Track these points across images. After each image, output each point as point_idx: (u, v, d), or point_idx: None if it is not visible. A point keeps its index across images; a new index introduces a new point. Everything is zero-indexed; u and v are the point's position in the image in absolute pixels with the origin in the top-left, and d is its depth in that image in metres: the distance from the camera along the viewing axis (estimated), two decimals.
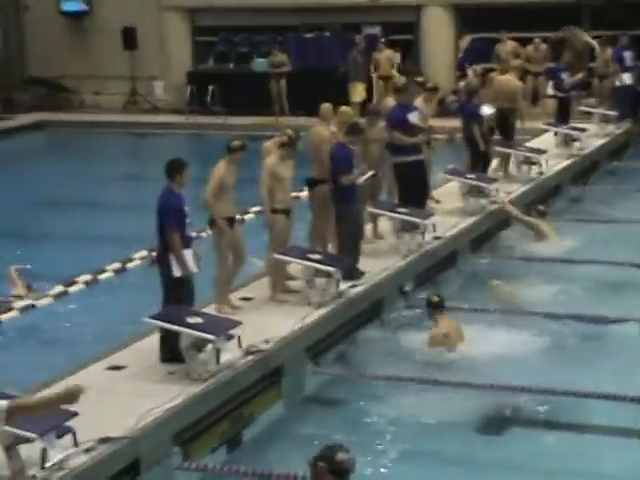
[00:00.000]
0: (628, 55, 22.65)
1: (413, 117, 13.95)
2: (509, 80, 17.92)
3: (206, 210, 10.91)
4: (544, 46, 24.09)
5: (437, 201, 15.35)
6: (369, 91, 24.67)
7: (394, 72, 24.31)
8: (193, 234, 10.27)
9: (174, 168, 10.01)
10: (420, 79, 16.71)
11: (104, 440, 8.03)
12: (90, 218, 17.79)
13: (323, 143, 12.53)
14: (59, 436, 7.75)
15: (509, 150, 17.67)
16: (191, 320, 9.40)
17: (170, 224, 9.81)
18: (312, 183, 12.66)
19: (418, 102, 14.66)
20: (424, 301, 11.33)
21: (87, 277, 13.74)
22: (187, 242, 9.95)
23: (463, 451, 9.06)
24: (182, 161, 10.10)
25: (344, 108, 13.43)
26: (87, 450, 7.90)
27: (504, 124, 17.58)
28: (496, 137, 17.41)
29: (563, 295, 12.56)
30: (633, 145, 22.38)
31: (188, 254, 9.89)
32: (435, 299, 11.19)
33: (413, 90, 14.52)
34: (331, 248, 12.56)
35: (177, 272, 9.81)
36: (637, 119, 22.90)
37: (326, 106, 12.97)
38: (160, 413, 8.56)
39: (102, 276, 13.95)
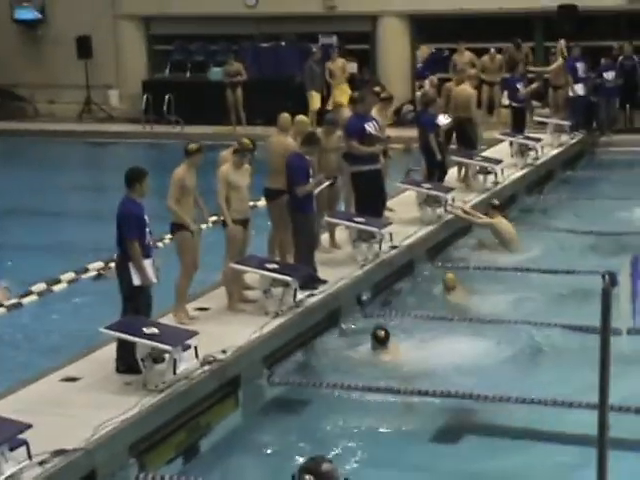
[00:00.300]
0: (580, 66, 22.88)
1: (370, 127, 13.99)
2: (463, 89, 18.06)
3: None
4: (499, 57, 24.28)
5: (391, 210, 15.37)
6: (326, 100, 24.67)
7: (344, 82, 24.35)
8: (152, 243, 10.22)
9: (134, 177, 9.96)
10: (377, 89, 16.74)
11: (58, 452, 7.95)
12: (45, 228, 17.64)
13: (281, 153, 12.52)
14: (12, 449, 7.64)
15: (465, 160, 17.78)
16: (147, 330, 9.34)
17: (130, 233, 9.76)
18: (270, 193, 12.64)
19: (373, 112, 14.69)
20: (370, 333, 11.14)
21: (42, 287, 13.61)
22: (147, 251, 9.91)
23: (421, 460, 9.07)
24: (142, 170, 10.06)
25: (300, 117, 13.44)
26: (41, 463, 7.82)
27: (461, 133, 17.73)
28: (453, 146, 17.54)
29: (519, 303, 12.63)
30: (587, 155, 22.62)
31: (148, 264, 9.84)
32: (381, 334, 11.04)
33: (370, 100, 14.55)
34: (289, 258, 12.55)
35: (137, 281, 9.76)
36: (590, 129, 23.12)
37: (285, 116, 12.96)
38: (116, 424, 8.50)
39: (57, 286, 13.82)
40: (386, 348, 10.97)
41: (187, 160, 10.96)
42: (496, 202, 15.52)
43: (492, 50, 24.38)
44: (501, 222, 15.06)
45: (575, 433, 9.06)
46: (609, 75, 23.04)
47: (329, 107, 23.06)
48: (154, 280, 9.93)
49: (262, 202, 13.65)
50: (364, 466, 8.93)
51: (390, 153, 15.56)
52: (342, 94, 23.39)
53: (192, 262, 11.03)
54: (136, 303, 9.86)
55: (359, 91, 15.72)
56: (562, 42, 23.75)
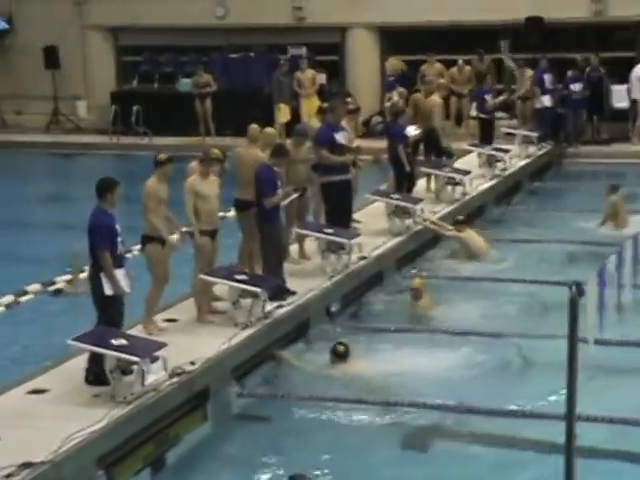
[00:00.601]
0: (548, 78, 23.03)
1: (340, 137, 14.02)
2: (431, 99, 18.18)
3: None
4: (468, 68, 24.40)
5: (358, 222, 15.38)
6: (295, 112, 24.68)
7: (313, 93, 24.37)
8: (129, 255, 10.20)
9: (105, 187, 9.93)
10: (348, 99, 16.84)
11: (26, 465, 7.87)
12: (13, 239, 17.53)
13: (250, 164, 12.52)
14: None
15: (433, 171, 17.84)
16: (116, 342, 9.29)
17: (101, 243, 9.72)
18: (240, 204, 12.66)
19: (344, 123, 14.71)
20: (330, 349, 11.18)
21: (9, 299, 13.52)
22: (119, 261, 9.87)
23: (388, 471, 9.06)
24: (113, 180, 10.04)
25: (268, 129, 13.45)
26: (8, 476, 7.74)
27: (429, 144, 17.83)
28: (421, 157, 17.62)
29: (488, 313, 12.68)
30: (554, 166, 22.76)
31: (120, 273, 9.81)
32: (341, 349, 11.07)
33: (341, 110, 14.58)
34: (258, 269, 12.54)
35: (108, 290, 9.72)
36: (558, 141, 23.28)
37: (254, 127, 12.98)
38: (84, 436, 8.43)
39: (24, 298, 13.73)
40: (345, 363, 10.98)
41: (158, 171, 10.93)
42: (460, 217, 15.57)
43: (460, 62, 24.49)
44: (469, 235, 15.10)
45: (543, 442, 9.10)
46: (576, 87, 23.22)
47: (303, 118, 23.09)
48: (127, 290, 9.90)
49: (232, 213, 13.68)
50: (332, 476, 8.92)
51: (360, 164, 15.58)
52: (311, 105, 23.44)
53: (163, 274, 11.00)
54: (110, 313, 9.83)
55: (329, 101, 15.71)
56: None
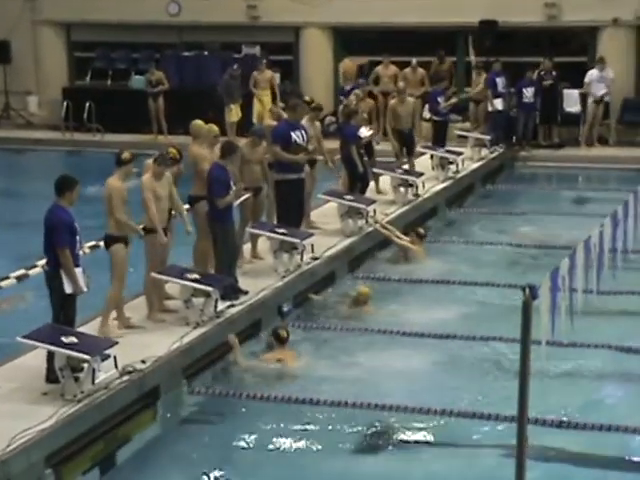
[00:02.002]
0: (500, 81, 23.15)
1: (297, 135, 14.00)
2: (408, 103, 18.89)
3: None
4: (421, 70, 24.45)
5: (312, 222, 15.40)
6: (245, 111, 24.53)
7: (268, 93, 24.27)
8: (81, 252, 10.09)
9: (65, 185, 9.83)
10: (307, 98, 16.85)
11: None
12: None
13: (199, 161, 12.50)
14: None
15: (386, 172, 17.87)
16: (66, 340, 9.21)
17: (61, 241, 9.62)
18: (192, 201, 12.62)
19: (304, 122, 14.72)
20: (271, 331, 11.30)
21: None
22: (77, 260, 9.78)
23: (340, 470, 9.06)
24: (73, 178, 9.94)
25: (208, 125, 13.14)
26: None
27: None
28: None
29: (440, 315, 12.71)
30: (506, 169, 22.90)
31: (79, 272, 9.72)
32: (283, 334, 11.15)
33: (301, 109, 14.56)
34: (211, 267, 12.50)
35: (69, 289, 9.64)
36: (510, 144, 23.42)
37: (196, 123, 12.94)
38: (32, 435, 8.36)
39: None
40: (282, 348, 11.04)
41: (121, 169, 10.82)
42: (422, 231, 15.60)
43: (414, 62, 24.48)
44: (419, 252, 15.13)
45: (494, 444, 9.15)
46: (528, 91, 23.36)
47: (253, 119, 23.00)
48: (85, 289, 9.82)
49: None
50: (284, 477, 8.91)
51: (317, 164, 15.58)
52: (263, 105, 23.40)
53: (124, 274, 10.92)
54: (68, 312, 9.75)
55: (290, 100, 15.66)
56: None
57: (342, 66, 25.64)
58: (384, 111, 24.28)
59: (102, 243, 11.09)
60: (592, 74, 23.88)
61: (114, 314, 11.06)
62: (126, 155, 10.86)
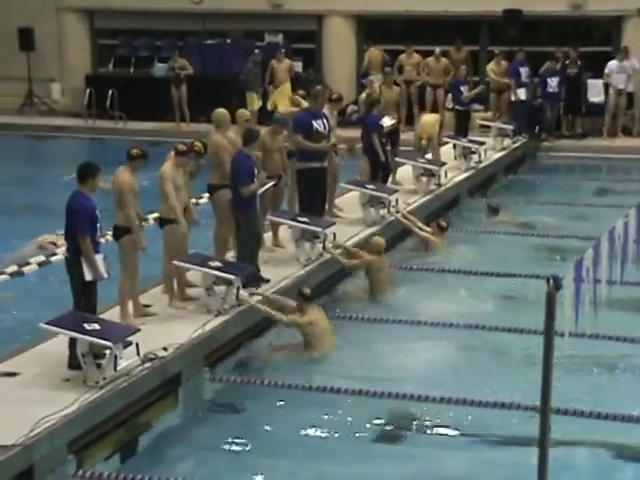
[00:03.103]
0: (524, 70, 23.07)
1: (319, 124, 13.98)
2: (394, 90, 18.81)
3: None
4: (444, 59, 24.38)
5: (340, 209, 15.40)
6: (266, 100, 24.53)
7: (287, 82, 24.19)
8: (102, 240, 10.12)
9: (87, 172, 9.85)
10: (325, 87, 16.86)
11: None
12: None
13: (220, 150, 12.48)
14: None
15: (408, 161, 17.84)
16: (88, 326, 9.25)
17: (82, 227, 9.65)
18: (212, 189, 12.61)
19: (326, 111, 14.72)
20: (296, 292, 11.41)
21: None
22: (97, 247, 9.81)
23: (360, 460, 9.06)
24: (95, 165, 9.96)
25: (217, 109, 13.16)
26: None
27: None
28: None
29: (464, 306, 12.67)
30: (529, 159, 22.82)
31: (99, 259, 9.75)
32: (307, 291, 11.28)
33: (323, 98, 14.55)
34: (229, 255, 12.52)
35: (89, 276, 9.67)
36: (533, 134, 23.33)
37: (219, 112, 12.90)
38: (54, 420, 8.39)
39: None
40: (310, 305, 11.14)
41: (130, 164, 10.78)
42: (444, 223, 15.55)
43: (437, 51, 24.39)
44: (438, 244, 15.08)
45: (517, 435, 9.14)
46: (552, 81, 23.26)
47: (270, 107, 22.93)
48: (105, 275, 9.85)
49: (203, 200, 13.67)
50: (303, 465, 8.93)
51: (341, 152, 15.58)
52: (281, 94, 23.34)
53: (136, 265, 10.93)
54: (89, 299, 9.79)
55: (312, 89, 15.67)
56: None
57: (368, 55, 25.60)
58: (407, 100, 24.34)
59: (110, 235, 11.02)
60: (611, 65, 23.76)
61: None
62: (135, 151, 10.77)
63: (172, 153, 11.52)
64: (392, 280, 13.32)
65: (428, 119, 19.26)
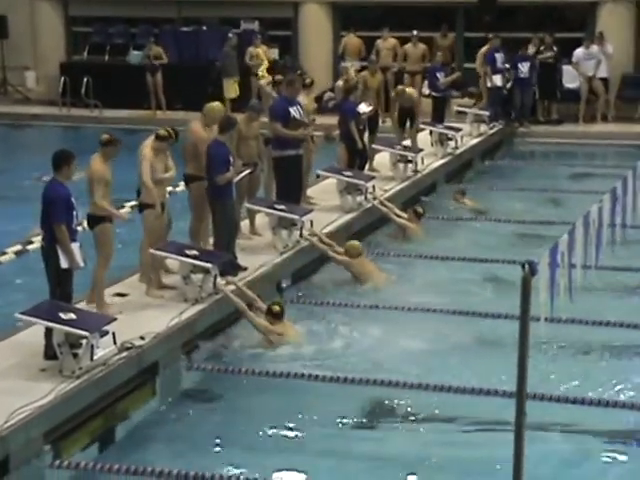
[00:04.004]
0: (499, 57, 23.07)
1: (295, 111, 13.96)
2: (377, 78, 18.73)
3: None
4: (422, 45, 24.34)
5: (311, 198, 15.37)
6: (243, 87, 24.47)
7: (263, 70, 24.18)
8: (79, 228, 10.07)
9: (62, 160, 9.80)
10: (299, 72, 16.82)
11: None
12: None
13: (199, 142, 12.42)
14: None
15: (385, 148, 17.84)
16: (64, 316, 9.20)
17: (58, 216, 9.60)
18: (189, 179, 12.57)
19: (300, 98, 14.70)
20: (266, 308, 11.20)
21: None
22: (73, 235, 9.76)
23: (339, 446, 9.07)
24: (70, 153, 9.90)
25: (213, 104, 13.11)
26: None
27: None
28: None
29: (439, 291, 12.72)
30: (505, 145, 22.87)
31: (75, 247, 9.71)
32: (277, 309, 11.09)
33: (298, 85, 14.52)
34: (206, 244, 12.48)
35: (65, 264, 9.62)
36: (509, 120, 23.36)
37: (211, 106, 12.71)
38: (30, 411, 8.36)
39: None
40: (280, 322, 10.99)
41: (102, 151, 10.72)
42: (420, 210, 15.54)
43: (414, 34, 24.30)
44: (416, 230, 15.08)
45: (494, 420, 9.17)
46: (523, 66, 23.24)
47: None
48: (82, 264, 9.81)
49: (180, 189, 13.61)
50: (281, 452, 8.94)
51: (316, 140, 15.54)
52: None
53: (111, 253, 10.88)
54: (65, 288, 9.75)
55: (286, 76, 15.61)
56: None
57: (345, 41, 25.55)
58: (384, 86, 24.30)
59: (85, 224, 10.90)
60: (578, 52, 23.85)
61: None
62: (105, 137, 10.74)
63: (152, 137, 11.47)
64: (380, 273, 13.24)
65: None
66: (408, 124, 18.82)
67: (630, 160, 13.89)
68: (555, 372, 10.18)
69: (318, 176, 16.22)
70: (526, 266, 5.76)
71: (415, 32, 24.23)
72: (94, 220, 10.67)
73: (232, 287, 11.49)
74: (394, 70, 24.44)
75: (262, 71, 24.00)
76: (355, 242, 13.39)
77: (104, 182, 10.59)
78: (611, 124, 24.05)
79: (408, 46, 24.26)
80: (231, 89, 24.28)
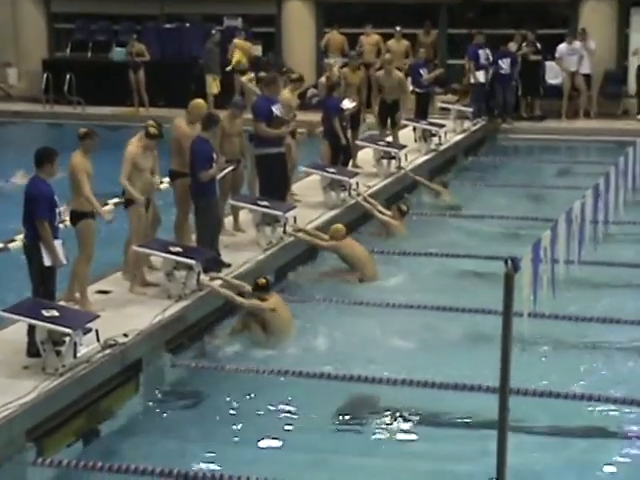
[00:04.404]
0: (482, 53, 23.09)
1: (277, 109, 13.96)
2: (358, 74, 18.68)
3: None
4: (405, 41, 24.35)
5: (294, 194, 15.38)
6: (226, 83, 24.44)
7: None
8: (61, 225, 10.05)
9: (44, 157, 9.77)
10: (284, 69, 16.82)
11: None
12: None
13: (183, 138, 12.41)
14: None
15: (369, 144, 17.85)
16: (47, 313, 9.17)
17: (40, 213, 9.57)
18: (173, 176, 12.56)
19: (285, 93, 14.69)
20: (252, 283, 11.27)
21: None
22: (56, 232, 9.74)
23: (323, 443, 9.07)
24: (53, 150, 9.88)
25: (196, 101, 13.10)
26: None
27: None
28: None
29: (422, 287, 12.73)
30: (488, 141, 22.91)
31: (58, 244, 9.68)
32: (262, 281, 11.16)
33: (279, 83, 14.52)
34: (189, 240, 12.47)
35: (48, 262, 9.60)
36: (492, 116, 23.39)
37: (196, 103, 12.72)
38: (13, 409, 8.33)
39: None
40: (268, 294, 11.04)
41: (81, 145, 10.69)
42: (404, 207, 15.54)
43: (397, 29, 24.31)
44: (399, 229, 15.09)
45: (475, 416, 9.19)
46: (504, 62, 23.26)
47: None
48: (64, 261, 9.79)
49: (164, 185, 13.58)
50: (265, 449, 8.93)
51: (298, 136, 15.54)
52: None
53: (93, 249, 10.85)
54: (48, 285, 9.72)
55: (268, 73, 15.59)
56: None
57: (328, 37, 25.53)
58: (367, 83, 24.33)
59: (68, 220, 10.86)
60: (562, 48, 23.92)
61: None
62: (82, 130, 10.71)
63: (141, 133, 11.45)
64: (371, 257, 13.30)
65: None
66: (389, 121, 18.87)
67: (612, 156, 13.94)
68: (538, 367, 10.22)
69: (302, 173, 16.23)
70: (509, 262, 5.78)
71: (398, 28, 24.23)
72: (77, 216, 10.64)
73: (219, 282, 11.49)
74: (377, 66, 24.42)
75: (236, 62, 23.99)
76: (338, 225, 13.38)
77: (87, 175, 10.56)
78: (594, 120, 24.11)
79: (391, 42, 24.27)
80: (213, 86, 24.25)
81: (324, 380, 10.00)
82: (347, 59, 21.27)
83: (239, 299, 11.17)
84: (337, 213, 15.02)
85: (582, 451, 8.81)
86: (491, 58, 23.01)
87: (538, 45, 23.94)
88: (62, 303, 10.40)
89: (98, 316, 9.70)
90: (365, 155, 18.00)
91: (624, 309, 11.81)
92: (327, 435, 9.22)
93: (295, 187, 15.70)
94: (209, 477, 8.23)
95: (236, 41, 24.59)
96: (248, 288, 11.35)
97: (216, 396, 10.01)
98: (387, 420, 9.45)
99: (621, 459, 8.70)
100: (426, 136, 19.68)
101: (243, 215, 13.88)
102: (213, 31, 24.97)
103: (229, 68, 24.00)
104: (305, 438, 9.12)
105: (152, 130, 11.34)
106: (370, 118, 19.84)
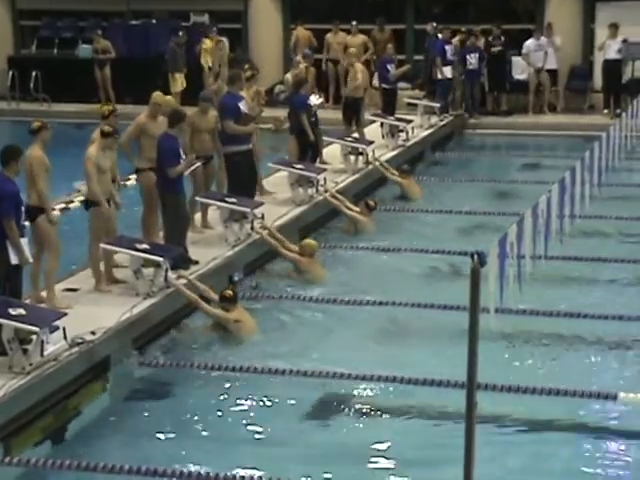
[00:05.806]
0: (449, 48, 23.13)
1: (243, 106, 13.95)
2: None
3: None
4: (362, 36, 24.30)
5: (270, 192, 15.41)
6: (191, 80, 24.33)
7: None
8: (25, 223, 9.99)
9: (10, 155, 9.76)
10: (247, 66, 16.81)
11: None
12: None
13: (142, 131, 12.39)
14: None
15: (336, 140, 17.85)
16: (13, 311, 9.13)
17: (6, 211, 9.54)
18: (138, 172, 12.52)
19: (252, 90, 14.71)
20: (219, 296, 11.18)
21: None
22: (22, 231, 9.71)
23: (291, 439, 9.07)
24: (18, 148, 9.88)
25: (159, 94, 13.04)
26: None
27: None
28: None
29: (389, 283, 12.75)
30: (456, 137, 22.97)
31: (24, 243, 9.63)
32: (229, 293, 11.09)
33: (242, 80, 14.51)
34: (156, 237, 12.43)
35: (14, 260, 9.56)
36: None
37: (164, 99, 12.73)
38: None
39: None
40: (234, 306, 10.98)
41: (35, 138, 10.60)
42: (372, 203, 15.54)
43: (354, 24, 24.32)
44: (367, 223, 15.11)
45: (443, 410, 9.22)
46: (472, 57, 23.32)
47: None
48: (31, 259, 9.77)
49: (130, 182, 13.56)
50: (235, 446, 8.92)
51: (258, 130, 15.52)
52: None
53: (58, 243, 10.77)
54: (14, 283, 9.68)
55: (232, 70, 15.58)
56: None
57: (295, 34, 25.50)
58: (334, 79, 24.39)
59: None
60: (529, 44, 24.01)
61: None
62: (35, 124, 10.65)
63: (97, 134, 11.39)
64: (322, 274, 13.18)
65: None
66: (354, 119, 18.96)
67: (578, 151, 14.01)
68: (505, 362, 10.26)
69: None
70: (475, 257, 5.78)
71: (354, 23, 24.27)
72: (35, 212, 10.50)
73: (183, 281, 11.45)
74: (344, 63, 24.41)
75: (206, 62, 23.95)
76: (312, 241, 13.32)
77: (44, 168, 10.48)
78: (560, 115, 24.23)
79: (348, 37, 24.30)
80: (177, 83, 24.14)
81: (292, 376, 9.99)
82: (318, 55, 21.18)
83: (204, 305, 11.10)
84: (305, 209, 15.03)
85: (550, 446, 8.85)
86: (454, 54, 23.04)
87: (503, 40, 24.00)
88: (28, 301, 10.35)
89: (65, 314, 9.67)
90: (332, 151, 18.00)
91: (590, 303, 11.88)
92: (296, 431, 9.22)
93: (263, 183, 15.68)
94: (177, 474, 8.22)
95: (206, 42, 24.44)
96: (215, 297, 11.27)
97: (185, 393, 9.99)
98: (357, 415, 9.46)
99: (588, 454, 8.75)
100: (393, 132, 19.71)
101: (211, 212, 13.85)
102: (180, 33, 24.74)
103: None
104: (275, 434, 9.11)
105: (106, 129, 11.28)
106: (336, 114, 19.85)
